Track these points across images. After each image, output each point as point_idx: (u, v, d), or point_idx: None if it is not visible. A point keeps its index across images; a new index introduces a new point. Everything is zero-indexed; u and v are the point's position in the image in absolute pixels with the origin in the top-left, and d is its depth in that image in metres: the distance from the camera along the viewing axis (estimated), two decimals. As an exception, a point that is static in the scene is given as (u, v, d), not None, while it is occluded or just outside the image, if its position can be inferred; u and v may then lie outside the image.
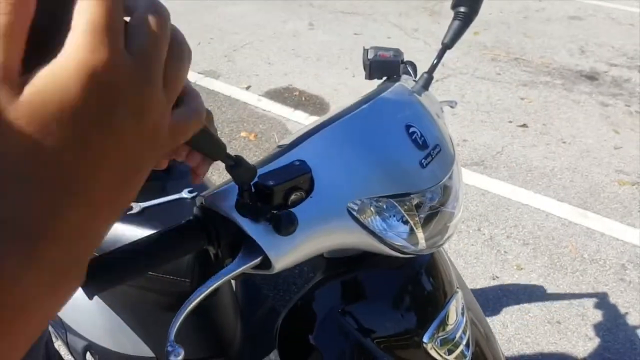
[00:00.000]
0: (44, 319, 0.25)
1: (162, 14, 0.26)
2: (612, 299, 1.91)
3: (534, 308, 1.87)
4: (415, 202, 0.63)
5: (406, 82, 0.79)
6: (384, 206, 0.61)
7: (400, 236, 0.64)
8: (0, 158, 0.22)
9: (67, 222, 0.24)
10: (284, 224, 0.51)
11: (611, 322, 1.82)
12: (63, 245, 0.24)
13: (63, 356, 1.02)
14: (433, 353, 0.71)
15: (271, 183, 0.53)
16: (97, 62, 0.23)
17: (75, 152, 0.23)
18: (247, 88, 3.31)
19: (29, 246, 0.22)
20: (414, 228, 0.64)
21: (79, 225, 0.24)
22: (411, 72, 0.86)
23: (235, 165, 0.46)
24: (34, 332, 0.24)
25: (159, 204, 1.00)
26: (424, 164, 0.65)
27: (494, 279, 1.97)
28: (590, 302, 1.89)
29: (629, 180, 2.53)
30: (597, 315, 1.84)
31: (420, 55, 3.71)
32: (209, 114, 0.47)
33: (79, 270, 0.26)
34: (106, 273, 0.47)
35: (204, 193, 0.55)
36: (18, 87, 0.22)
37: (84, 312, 1.08)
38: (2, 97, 0.22)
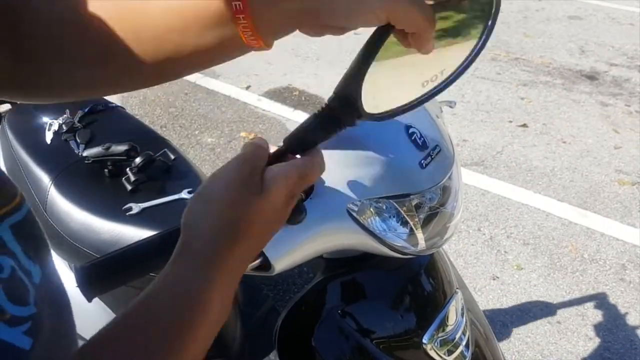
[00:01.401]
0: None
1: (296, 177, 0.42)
2: (612, 299, 1.91)
3: (534, 308, 1.87)
4: (414, 202, 0.63)
5: (406, 82, 0.79)
6: (384, 207, 0.61)
7: (400, 237, 0.64)
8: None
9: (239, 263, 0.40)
10: (293, 212, 0.51)
11: (611, 322, 1.82)
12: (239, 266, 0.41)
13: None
14: (433, 354, 0.71)
15: (271, 184, 0.52)
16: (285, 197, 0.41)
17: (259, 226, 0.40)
18: (247, 88, 3.30)
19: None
20: (414, 229, 0.64)
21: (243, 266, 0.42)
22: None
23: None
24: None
25: (158, 205, 1.00)
26: (424, 164, 0.65)
27: (494, 279, 1.97)
28: (590, 302, 1.89)
29: (629, 180, 2.53)
30: (597, 315, 1.84)
31: (420, 55, 3.70)
32: None
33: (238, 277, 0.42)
34: (106, 275, 0.47)
35: (203, 194, 0.54)
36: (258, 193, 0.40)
37: (84, 313, 1.07)
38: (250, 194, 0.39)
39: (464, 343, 0.75)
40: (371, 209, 0.60)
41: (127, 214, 0.98)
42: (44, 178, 1.09)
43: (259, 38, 0.38)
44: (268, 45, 0.39)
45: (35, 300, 0.32)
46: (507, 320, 1.82)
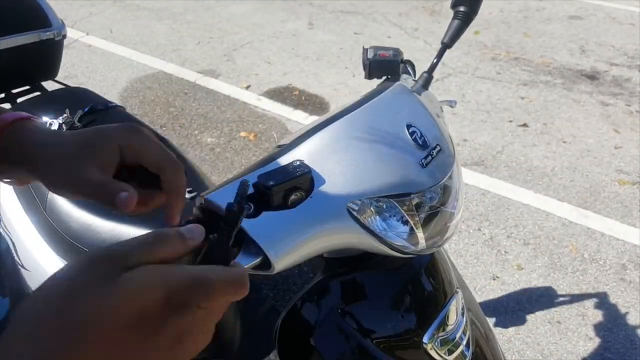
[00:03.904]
0: None
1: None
2: (613, 299, 1.90)
3: (534, 308, 1.86)
4: (415, 202, 0.63)
5: (406, 81, 0.79)
6: (384, 206, 0.61)
7: (401, 236, 0.64)
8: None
9: None
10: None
11: (611, 322, 1.82)
12: None
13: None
14: (433, 353, 0.71)
15: (271, 183, 0.52)
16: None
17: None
18: (247, 87, 3.30)
19: None
20: (414, 228, 0.64)
21: None
22: (411, 71, 0.86)
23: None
24: None
25: (158, 204, 0.99)
26: (424, 163, 0.65)
27: (494, 279, 1.97)
28: (590, 302, 1.89)
29: (630, 180, 2.53)
30: (598, 315, 1.84)
31: (420, 54, 3.70)
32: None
33: None
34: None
35: (203, 193, 0.54)
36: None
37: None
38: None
39: (464, 343, 0.75)
40: (371, 208, 0.60)
41: (126, 213, 0.98)
42: (44, 177, 1.09)
43: None
44: None
45: None
46: (507, 320, 1.82)
